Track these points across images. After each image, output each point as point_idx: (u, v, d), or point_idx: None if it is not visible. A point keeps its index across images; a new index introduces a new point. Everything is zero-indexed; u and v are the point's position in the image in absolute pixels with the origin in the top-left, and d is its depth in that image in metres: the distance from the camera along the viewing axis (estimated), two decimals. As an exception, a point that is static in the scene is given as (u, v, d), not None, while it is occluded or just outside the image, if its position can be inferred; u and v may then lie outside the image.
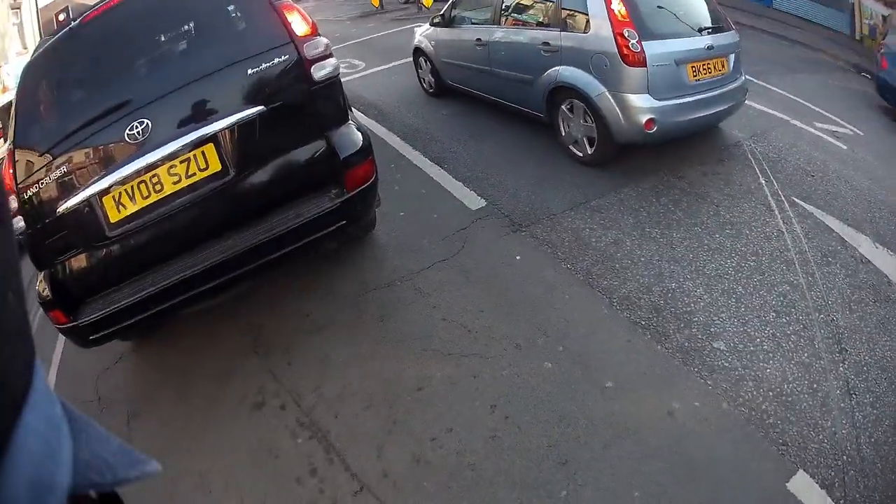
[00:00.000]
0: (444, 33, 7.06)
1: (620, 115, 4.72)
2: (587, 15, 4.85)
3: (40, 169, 3.16)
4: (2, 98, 17.78)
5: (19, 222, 3.23)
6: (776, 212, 4.46)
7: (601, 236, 4.18)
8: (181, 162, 3.11)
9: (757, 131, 6.01)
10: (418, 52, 7.77)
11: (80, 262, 3.29)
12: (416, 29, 8.27)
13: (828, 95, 8.12)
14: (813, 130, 6.31)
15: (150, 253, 3.29)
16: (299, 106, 3.28)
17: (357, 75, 9.61)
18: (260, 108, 3.13)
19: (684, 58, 4.80)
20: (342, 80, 3.50)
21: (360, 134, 3.47)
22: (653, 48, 4.65)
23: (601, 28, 4.73)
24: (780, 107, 6.92)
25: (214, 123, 3.09)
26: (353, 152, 3.36)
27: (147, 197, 3.12)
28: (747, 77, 5.52)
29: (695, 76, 4.86)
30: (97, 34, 3.39)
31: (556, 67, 5.12)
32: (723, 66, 5.10)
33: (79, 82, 3.36)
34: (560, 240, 4.18)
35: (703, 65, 4.92)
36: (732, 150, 5.56)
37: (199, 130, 3.07)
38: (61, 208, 3.09)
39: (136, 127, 3.04)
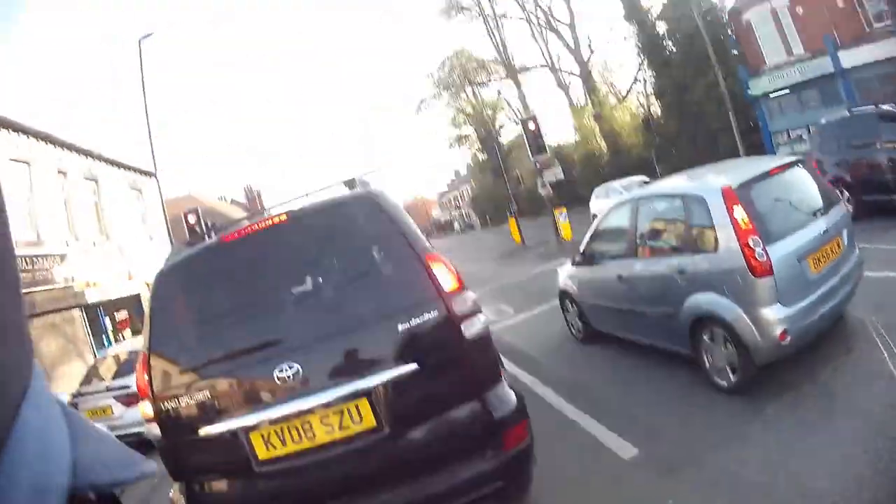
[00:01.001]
0: (585, 272, 7.02)
1: (756, 334, 4.47)
2: (713, 228, 4.75)
3: (180, 385, 3.20)
4: (129, 285, 18.90)
5: (154, 429, 3.25)
6: None
7: (759, 470, 3.77)
8: (334, 413, 3.07)
9: (878, 301, 5.54)
10: (563, 294, 7.72)
11: (222, 486, 3.27)
12: (559, 269, 8.28)
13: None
14: None
15: (297, 498, 3.22)
16: (451, 364, 3.24)
17: (506, 322, 9.82)
18: (414, 366, 3.08)
19: (805, 251, 4.64)
20: (491, 328, 3.45)
21: (513, 393, 3.37)
22: (777, 251, 4.50)
23: (728, 241, 4.59)
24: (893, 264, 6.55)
25: (368, 378, 3.06)
26: (507, 413, 3.26)
27: (298, 442, 3.08)
28: (858, 250, 5.27)
29: (816, 267, 4.67)
30: (242, 257, 3.49)
31: (694, 295, 4.95)
32: (838, 247, 4.91)
33: (222, 305, 3.42)
34: (715, 480, 3.83)
35: (822, 252, 4.73)
36: (858, 332, 5.15)
37: (353, 384, 3.05)
38: (204, 431, 3.10)
39: (287, 370, 3.03)
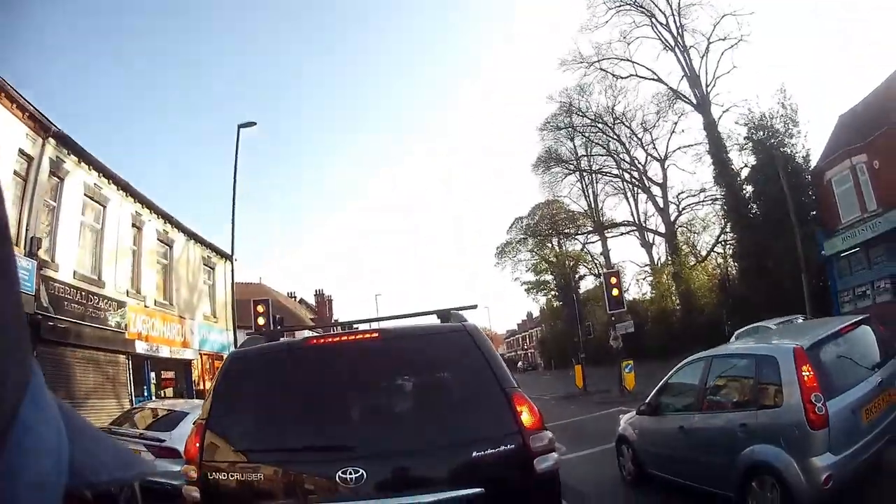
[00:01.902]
0: (648, 421, 7.20)
1: (803, 480, 4.61)
2: (779, 385, 4.96)
3: (230, 461, 3.34)
4: (181, 350, 19.34)
5: (193, 492, 3.33)
6: None
7: None
8: None
9: None
10: (622, 439, 7.84)
11: None
12: (620, 415, 8.43)
13: None
14: None
15: None
16: (518, 493, 3.33)
17: (560, 458, 9.65)
18: (479, 489, 3.17)
19: (860, 404, 4.84)
20: None
21: None
22: (834, 406, 4.68)
23: (791, 397, 4.80)
24: None
25: (432, 494, 3.15)
26: None
27: None
28: None
29: (867, 418, 4.85)
30: (318, 362, 3.68)
31: (752, 447, 5.08)
32: (891, 396, 5.04)
33: (292, 402, 3.57)
34: None
35: (875, 404, 4.90)
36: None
37: (416, 497, 3.14)
38: None
39: (352, 473, 3.11)
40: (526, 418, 3.35)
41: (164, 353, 18.27)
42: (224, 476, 3.31)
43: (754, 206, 29.81)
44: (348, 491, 3.13)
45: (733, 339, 20.05)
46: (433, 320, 4.24)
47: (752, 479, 5.13)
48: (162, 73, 76.53)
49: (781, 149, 27.39)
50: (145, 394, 16.84)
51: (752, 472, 5.11)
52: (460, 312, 4.26)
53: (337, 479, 3.13)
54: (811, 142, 45.20)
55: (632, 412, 7.87)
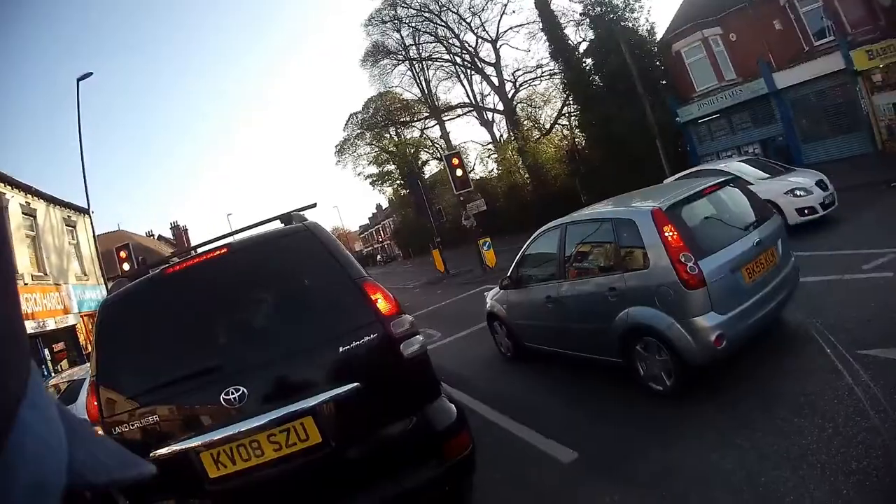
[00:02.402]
0: (514, 295, 7.22)
1: (691, 340, 4.70)
2: (644, 248, 4.98)
3: (129, 411, 3.28)
4: (64, 318, 19.12)
5: None
6: (844, 373, 4.42)
7: (698, 466, 3.91)
8: (281, 431, 3.18)
9: (813, 302, 6.10)
10: (492, 316, 7.92)
11: None
12: (486, 293, 8.51)
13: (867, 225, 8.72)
14: (862, 276, 6.67)
15: None
16: (392, 381, 3.41)
17: (434, 345, 9.84)
18: (356, 384, 3.23)
19: (738, 263, 4.88)
20: None
21: (453, 406, 3.59)
22: (708, 265, 4.72)
23: (659, 259, 4.83)
24: (828, 267, 7.33)
25: (312, 398, 3.19)
26: (448, 424, 3.47)
27: (247, 460, 3.19)
28: (795, 255, 5.62)
29: (750, 277, 4.91)
30: (186, 288, 3.63)
31: (626, 310, 5.15)
32: (773, 256, 5.19)
33: (165, 334, 3.54)
34: (655, 477, 3.95)
35: (756, 263, 4.99)
36: (796, 334, 5.57)
37: (297, 404, 3.17)
38: (155, 454, 3.16)
39: (233, 393, 3.15)
40: (382, 305, 3.40)
41: (51, 325, 18.10)
42: (127, 427, 3.26)
43: (596, 79, 30.17)
44: (236, 412, 3.15)
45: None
46: (278, 225, 4.13)
47: (634, 342, 5.22)
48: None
49: (622, 23, 27.73)
50: (45, 374, 16.27)
51: (632, 335, 5.20)
52: (301, 213, 4.20)
53: (222, 401, 3.14)
54: (655, 16, 47.33)
55: (496, 288, 7.89)
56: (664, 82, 27.08)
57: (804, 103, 21.93)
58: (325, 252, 3.60)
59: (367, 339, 3.31)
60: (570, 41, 32.55)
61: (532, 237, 7.04)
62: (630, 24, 28.32)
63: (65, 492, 0.41)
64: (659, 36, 27.87)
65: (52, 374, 15.65)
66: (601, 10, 29.04)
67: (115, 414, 3.32)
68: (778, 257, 5.29)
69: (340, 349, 3.29)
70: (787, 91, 21.97)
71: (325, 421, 3.22)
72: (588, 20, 30.13)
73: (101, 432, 3.25)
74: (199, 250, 4.07)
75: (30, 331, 15.72)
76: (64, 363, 18.59)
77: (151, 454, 3.17)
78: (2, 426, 0.37)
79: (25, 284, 17.23)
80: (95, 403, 3.35)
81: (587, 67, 30.92)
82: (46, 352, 17.70)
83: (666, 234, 4.83)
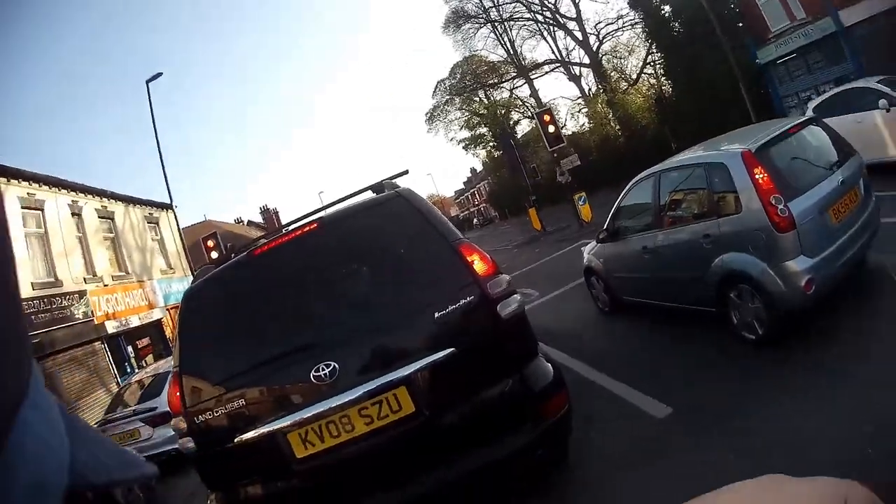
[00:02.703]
0: (610, 248, 7.11)
1: (782, 285, 4.57)
2: (736, 192, 4.83)
3: (213, 397, 3.27)
4: (149, 314, 19.79)
5: (189, 443, 3.30)
6: None
7: (793, 419, 3.73)
8: (373, 404, 3.13)
9: (894, 245, 5.66)
10: (589, 271, 7.83)
11: (259, 490, 3.32)
12: (582, 248, 8.39)
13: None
14: None
15: (339, 489, 3.29)
16: (489, 344, 3.31)
17: (532, 304, 9.79)
18: (451, 350, 3.14)
19: (826, 203, 4.72)
20: None
21: (549, 366, 3.48)
22: (798, 206, 4.58)
23: (751, 202, 4.68)
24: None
25: (406, 367, 3.12)
26: (545, 385, 3.37)
27: (337, 436, 3.14)
28: (876, 195, 5.36)
29: (837, 218, 4.76)
30: (274, 268, 3.57)
31: (721, 256, 5.02)
32: (856, 196, 5.00)
33: (251, 317, 3.51)
34: (750, 431, 3.80)
35: (841, 203, 4.82)
36: (880, 278, 5.28)
37: (390, 375, 3.10)
38: (240, 438, 3.16)
39: (323, 369, 3.10)
40: (479, 266, 3.30)
41: (134, 322, 18.47)
42: (211, 414, 3.24)
43: (676, 25, 29.37)
44: (328, 388, 3.09)
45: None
46: (370, 196, 4.07)
47: (728, 290, 5.07)
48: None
49: None
50: (128, 370, 16.87)
51: (727, 282, 5.05)
52: (393, 181, 4.13)
53: (312, 379, 3.10)
54: None
55: (593, 242, 7.76)
56: (741, 25, 25.85)
57: (874, 39, 20.16)
58: (419, 217, 3.52)
59: (463, 301, 3.22)
60: None
61: (626, 188, 6.86)
62: None
63: (66, 492, 0.41)
64: None
65: (136, 371, 16.00)
66: None
67: (199, 402, 3.30)
68: (861, 197, 5.02)
69: (436, 314, 3.20)
70: (854, 28, 20.53)
71: (419, 390, 3.15)
72: None
73: (183, 423, 3.31)
74: (288, 228, 4.03)
75: (112, 330, 16.90)
76: (149, 358, 18.82)
77: (237, 439, 3.17)
78: (2, 426, 0.37)
79: (106, 286, 17.63)
80: (178, 394, 3.35)
81: (666, 15, 30.10)
82: (130, 349, 17.98)
83: (757, 176, 4.64)
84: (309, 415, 3.10)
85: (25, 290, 13.31)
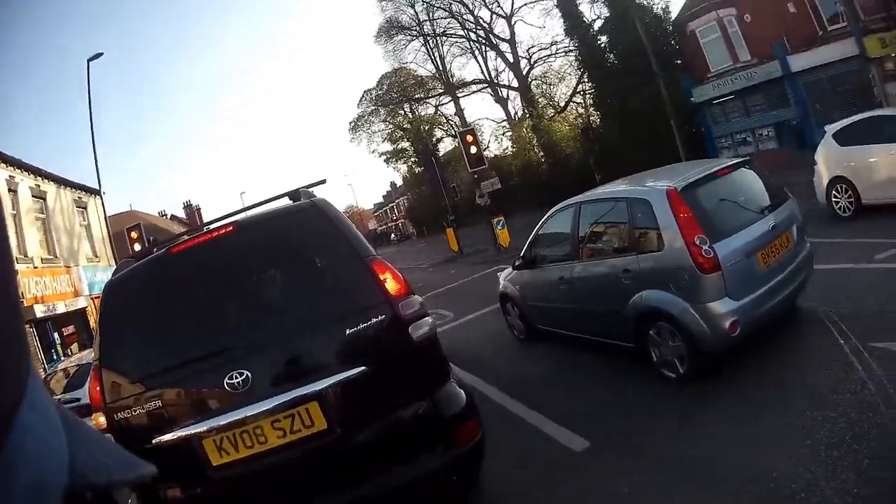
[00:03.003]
0: (527, 275, 7.13)
1: (705, 326, 4.61)
2: (658, 230, 4.88)
3: (132, 395, 3.21)
4: (74, 301, 19.19)
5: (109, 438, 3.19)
6: (857, 366, 4.32)
7: (711, 453, 3.87)
8: (285, 417, 3.11)
9: (826, 290, 5.97)
10: (504, 297, 7.84)
11: (177, 493, 3.27)
12: (499, 274, 8.43)
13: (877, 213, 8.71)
14: (875, 265, 6.62)
15: (253, 500, 3.27)
16: (400, 365, 3.31)
17: (447, 326, 9.79)
18: (362, 368, 3.14)
19: (754, 247, 4.79)
20: None
21: (462, 392, 3.48)
22: (724, 248, 4.63)
23: (674, 241, 4.74)
24: (840, 255, 7.18)
25: (317, 382, 3.10)
26: (457, 411, 3.37)
27: (251, 447, 3.11)
28: (810, 242, 5.55)
29: (765, 263, 4.83)
30: (191, 268, 3.54)
31: (640, 293, 5.06)
32: (788, 242, 5.09)
33: (169, 316, 3.46)
34: (668, 464, 3.91)
35: (771, 248, 4.91)
36: (810, 321, 5.49)
37: (302, 389, 3.08)
38: (157, 440, 3.10)
39: (237, 377, 3.06)
40: (391, 285, 3.29)
41: (61, 308, 18.08)
42: (130, 413, 3.20)
43: (611, 56, 29.84)
44: (241, 396, 3.07)
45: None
46: (287, 203, 4.02)
47: (647, 327, 5.13)
48: None
49: (637, 1, 27.14)
50: (55, 357, 16.55)
51: (646, 319, 5.11)
52: (310, 190, 4.10)
53: (226, 386, 3.06)
54: None
55: (509, 268, 7.80)
56: (679, 62, 26.75)
57: (818, 87, 21.52)
58: (333, 230, 3.50)
59: (374, 320, 3.21)
60: (584, 18, 32.19)
61: (546, 216, 6.92)
62: (645, 2, 27.89)
63: (65, 492, 0.41)
64: (674, 15, 27.50)
65: (62, 358, 15.69)
66: None
67: (119, 398, 3.25)
68: (793, 242, 5.17)
69: (347, 331, 3.19)
70: (801, 74, 21.58)
71: (331, 406, 3.14)
72: None
73: (102, 419, 3.25)
74: (206, 228, 3.98)
75: (39, 315, 16.35)
76: (74, 346, 18.52)
77: (154, 440, 3.11)
78: (1, 427, 0.37)
79: (35, 268, 17.27)
80: (98, 389, 3.30)
81: (602, 45, 30.58)
82: (56, 336, 17.68)
83: (681, 214, 4.72)
84: (223, 422, 3.06)
85: None
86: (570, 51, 36.44)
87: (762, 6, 22.04)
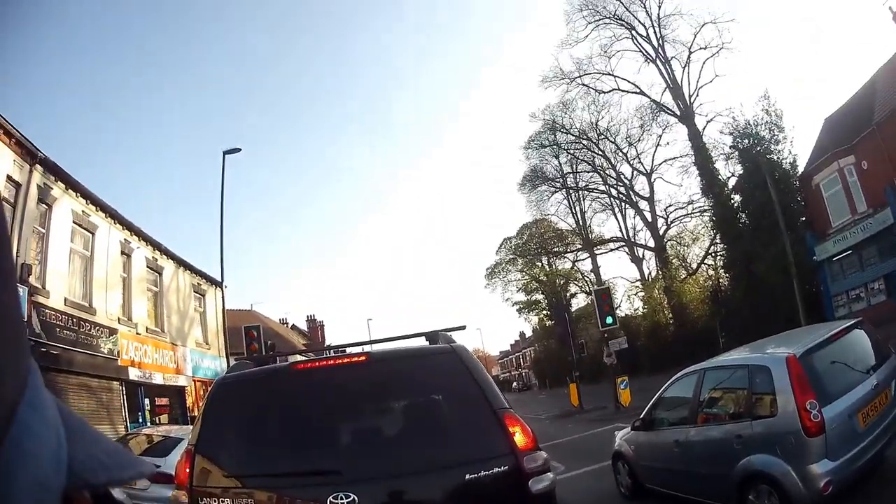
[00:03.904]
0: (643, 436, 7.23)
1: (801, 487, 4.70)
2: (774, 395, 5.02)
3: (222, 487, 3.30)
4: (175, 378, 19.44)
5: None
6: None
7: None
8: None
9: None
10: (618, 455, 7.88)
11: None
12: (616, 432, 8.49)
13: None
14: None
15: None
16: None
17: (557, 478, 9.60)
18: None
19: (856, 408, 4.94)
20: None
21: None
22: (830, 412, 4.79)
23: (787, 405, 4.88)
24: None
25: None
26: None
27: None
28: None
29: (864, 421, 4.95)
30: (308, 386, 3.65)
31: (749, 457, 5.13)
32: (886, 398, 5.19)
33: (280, 425, 3.58)
34: None
35: (871, 406, 5.04)
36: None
37: None
38: None
39: (342, 498, 3.07)
40: (519, 439, 3.31)
41: (158, 379, 18.25)
42: (217, 501, 3.27)
43: (743, 216, 29.47)
44: None
45: None
46: (422, 342, 4.20)
47: (749, 489, 5.17)
48: (146, 94, 76.91)
49: (768, 156, 27.07)
50: (140, 420, 16.66)
51: (749, 482, 5.16)
52: (448, 334, 4.20)
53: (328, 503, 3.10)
54: (798, 147, 44.56)
55: (627, 428, 7.89)
56: (804, 219, 26.10)
57: None
58: (467, 376, 3.54)
59: (497, 469, 3.23)
60: (720, 175, 32.21)
61: (670, 381, 7.09)
62: (775, 157, 27.54)
63: (64, 492, 0.41)
64: (801, 168, 27.03)
65: (148, 424, 16.20)
66: (749, 143, 28.52)
67: (206, 485, 3.35)
68: (891, 398, 5.18)
69: (467, 476, 3.21)
70: None
71: None
72: (737, 153, 29.67)
73: (183, 497, 3.33)
74: (332, 353, 4.24)
75: (133, 378, 16.49)
76: (164, 417, 18.77)
77: None
78: (0, 426, 0.37)
79: (138, 334, 17.52)
80: (187, 470, 3.37)
81: (735, 205, 30.34)
82: (147, 401, 17.66)
83: (797, 380, 4.86)
84: None
85: (57, 303, 13.49)
86: (705, 211, 36.34)
87: (875, 149, 21.29)
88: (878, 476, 5.31)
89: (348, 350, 5.00)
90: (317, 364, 3.86)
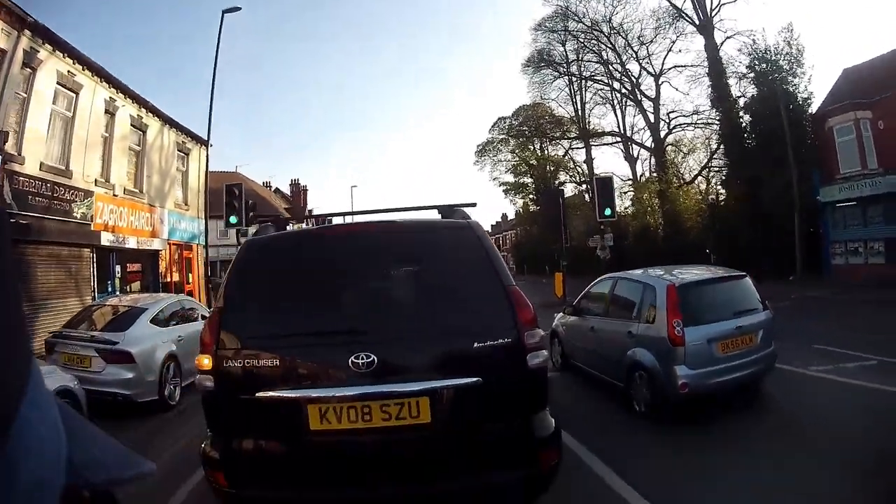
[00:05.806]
0: (572, 320, 9.03)
1: (665, 381, 6.28)
2: (655, 308, 6.63)
3: (247, 348, 3.44)
4: (149, 241, 18.73)
5: (207, 382, 3.46)
6: None
7: (654, 470, 5.10)
8: (395, 403, 3.29)
9: (791, 388, 7.47)
10: (553, 334, 9.63)
11: (263, 447, 3.49)
12: (555, 314, 10.23)
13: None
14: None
15: (333, 473, 3.43)
16: (511, 385, 3.48)
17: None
18: (478, 378, 3.33)
19: (715, 337, 6.40)
20: None
21: (553, 420, 3.66)
22: (691, 333, 6.29)
23: (662, 318, 6.48)
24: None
25: (435, 381, 3.35)
26: (547, 435, 3.57)
27: (354, 422, 3.28)
28: (775, 344, 7.05)
29: (724, 351, 6.43)
30: (334, 250, 3.81)
31: (634, 349, 6.84)
32: (751, 341, 6.67)
33: (305, 288, 3.68)
34: (619, 469, 5.10)
35: (732, 341, 6.50)
36: (761, 398, 7.09)
37: (420, 384, 3.31)
38: (261, 394, 3.32)
39: (364, 358, 3.25)
40: (523, 314, 3.51)
41: (132, 243, 17.50)
42: (240, 363, 3.41)
43: (751, 137, 28.82)
44: (358, 376, 3.28)
45: None
46: (435, 215, 4.48)
47: (633, 374, 6.86)
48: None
49: (784, 85, 26.40)
50: (109, 289, 15.95)
51: (633, 368, 6.84)
52: (463, 209, 4.48)
53: (350, 364, 3.28)
54: (813, 87, 42.94)
55: (562, 312, 9.79)
56: (812, 157, 25.48)
57: None
58: (483, 253, 3.74)
59: (501, 341, 3.43)
60: (731, 93, 31.26)
61: (595, 280, 8.92)
62: (791, 89, 27.02)
63: (64, 490, 0.42)
64: (814, 108, 26.82)
65: (117, 293, 15.35)
66: (766, 67, 27.90)
67: (231, 347, 3.45)
68: (756, 342, 6.74)
69: (474, 344, 3.40)
70: None
71: (440, 405, 3.33)
72: (753, 74, 29.07)
73: (206, 361, 3.45)
74: (359, 218, 4.52)
75: (105, 243, 15.78)
76: (136, 284, 17.94)
77: (257, 394, 3.32)
78: (2, 425, 0.38)
79: (115, 196, 16.59)
80: (212, 332, 3.48)
81: (744, 125, 29.71)
82: (118, 268, 16.90)
83: (671, 303, 6.44)
84: (336, 394, 3.30)
85: (32, 168, 12.91)
86: (710, 123, 35.94)
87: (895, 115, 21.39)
88: (736, 398, 6.71)
89: (347, 220, 5.45)
90: (344, 230, 4.09)
